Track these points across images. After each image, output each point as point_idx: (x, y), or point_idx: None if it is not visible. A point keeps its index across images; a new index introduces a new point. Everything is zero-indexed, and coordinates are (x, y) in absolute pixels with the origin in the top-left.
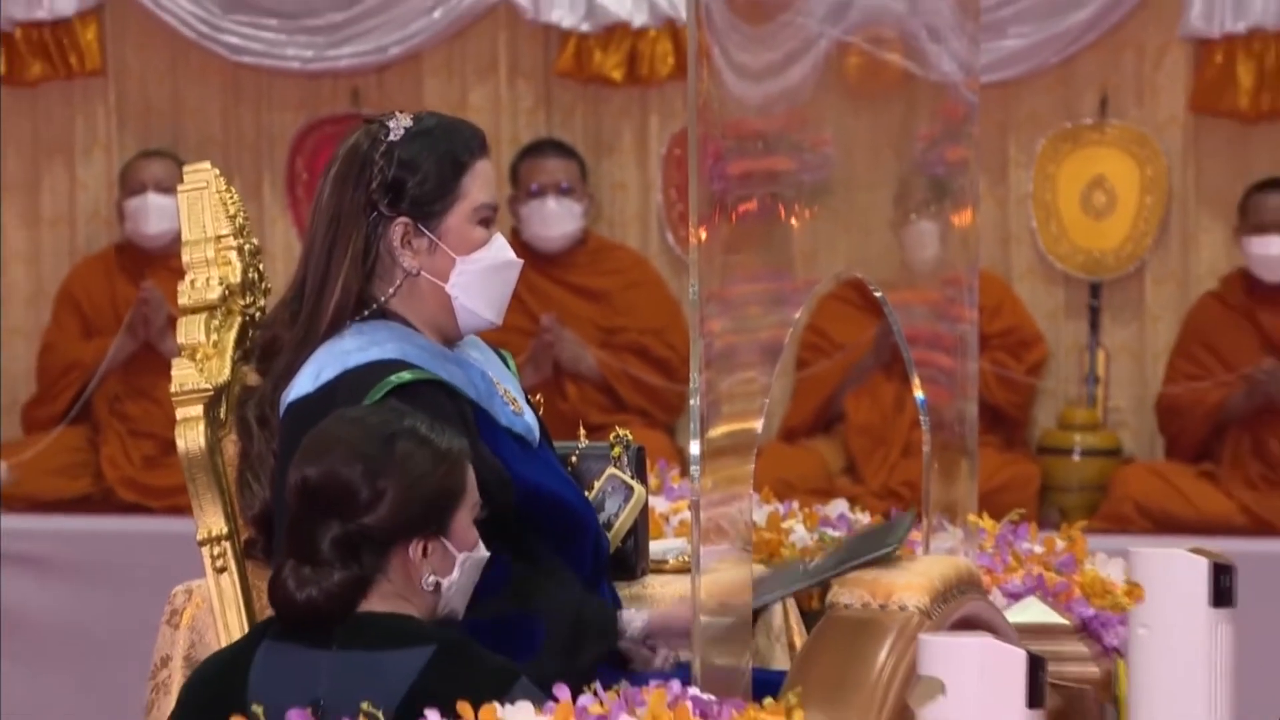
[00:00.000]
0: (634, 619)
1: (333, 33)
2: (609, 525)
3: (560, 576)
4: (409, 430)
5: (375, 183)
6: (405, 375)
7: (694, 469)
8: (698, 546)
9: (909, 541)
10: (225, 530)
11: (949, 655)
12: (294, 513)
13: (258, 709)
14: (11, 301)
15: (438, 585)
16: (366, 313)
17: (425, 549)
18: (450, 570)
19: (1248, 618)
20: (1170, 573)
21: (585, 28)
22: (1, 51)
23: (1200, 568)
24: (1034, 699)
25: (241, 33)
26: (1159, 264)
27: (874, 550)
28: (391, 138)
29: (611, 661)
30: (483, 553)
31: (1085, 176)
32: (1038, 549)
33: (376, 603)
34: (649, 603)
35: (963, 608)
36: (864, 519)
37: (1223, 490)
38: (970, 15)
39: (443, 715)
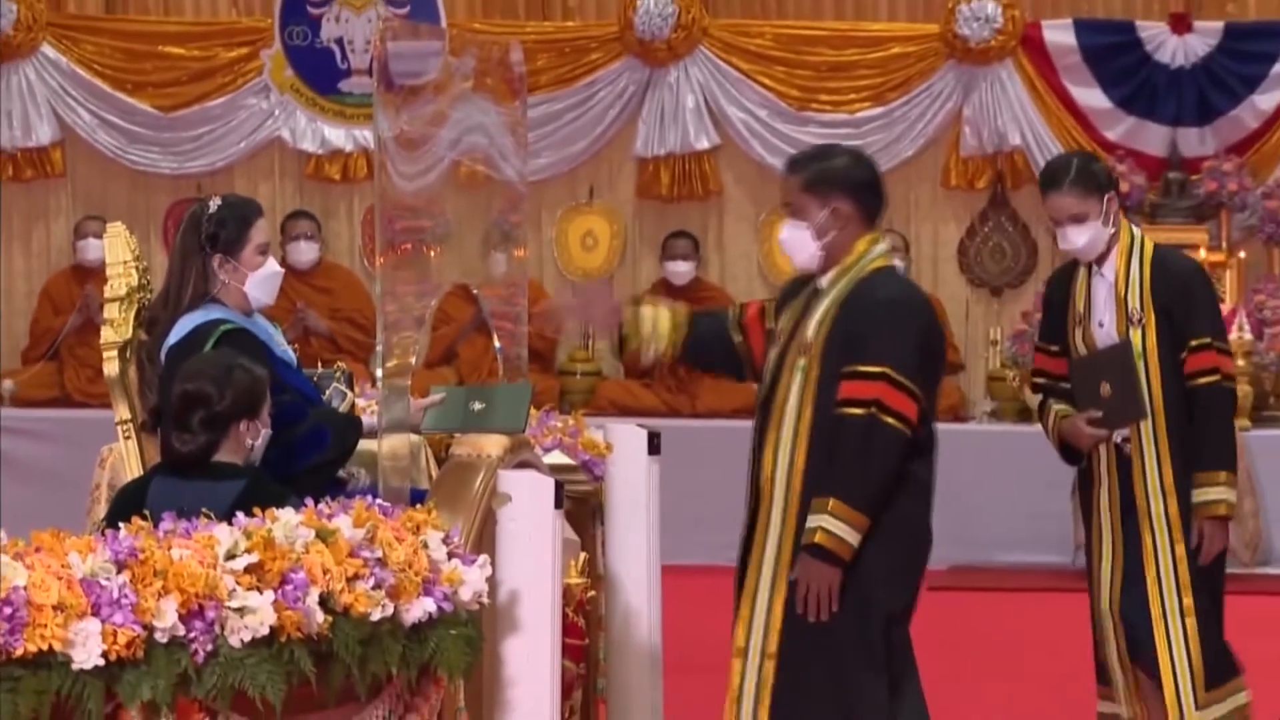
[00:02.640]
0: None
1: (186, 154)
2: None
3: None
4: (240, 364)
5: (204, 235)
6: (227, 326)
7: (380, 383)
8: (381, 423)
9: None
10: (130, 417)
11: (514, 481)
12: (176, 407)
13: (147, 513)
14: (18, 296)
15: (252, 446)
16: (203, 301)
17: (248, 427)
18: (259, 438)
19: (666, 461)
20: (627, 437)
21: (320, 151)
22: (10, 163)
23: (642, 434)
24: (558, 503)
25: (139, 154)
26: (621, 277)
27: (508, 425)
28: (210, 210)
29: (334, 484)
30: (270, 430)
31: (582, 230)
32: (559, 425)
33: (222, 455)
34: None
35: (520, 456)
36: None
37: (654, 393)
38: (522, 145)
39: (248, 515)
